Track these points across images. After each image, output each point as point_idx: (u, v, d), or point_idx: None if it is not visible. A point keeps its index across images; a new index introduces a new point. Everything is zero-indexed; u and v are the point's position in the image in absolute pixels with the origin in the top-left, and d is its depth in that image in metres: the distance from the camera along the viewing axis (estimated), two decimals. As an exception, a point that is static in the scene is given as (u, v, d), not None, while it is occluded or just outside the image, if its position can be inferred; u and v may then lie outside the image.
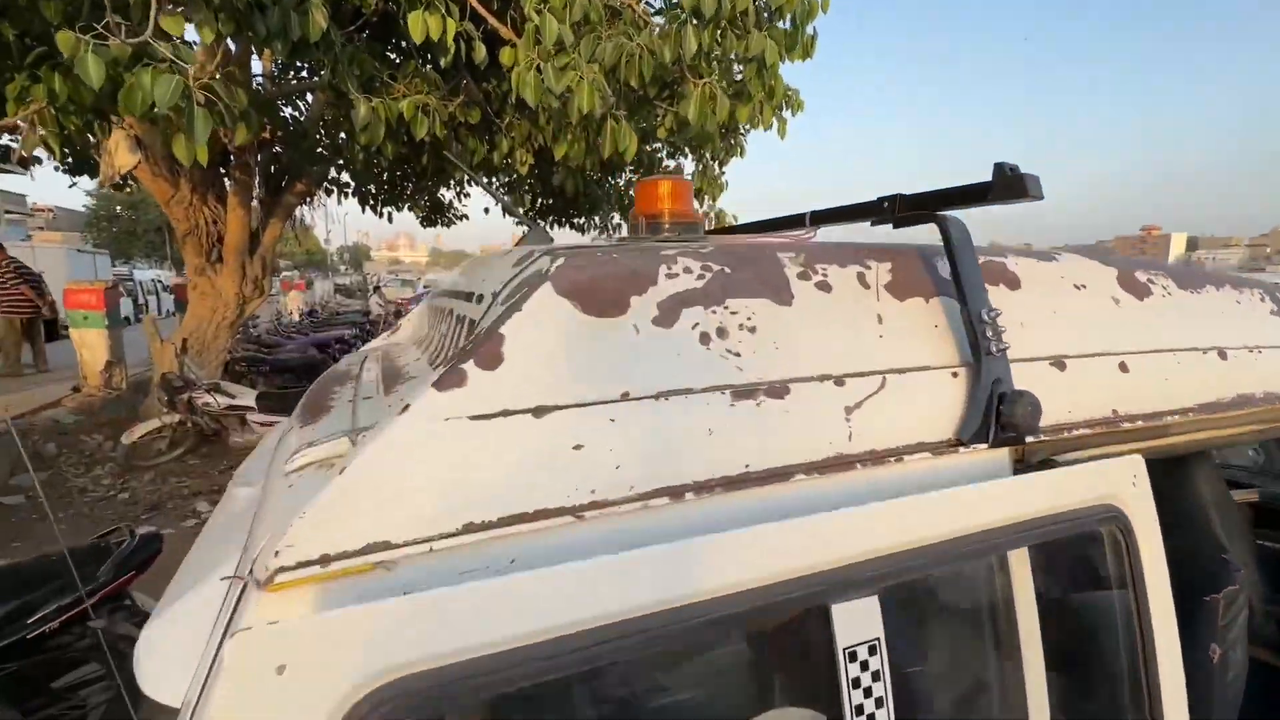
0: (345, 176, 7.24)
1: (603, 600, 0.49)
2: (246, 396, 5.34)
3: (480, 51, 2.91)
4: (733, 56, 3.48)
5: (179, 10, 1.93)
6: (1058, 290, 0.95)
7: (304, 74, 5.93)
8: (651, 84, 2.96)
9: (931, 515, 0.65)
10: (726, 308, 0.70)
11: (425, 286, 23.19)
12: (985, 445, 0.74)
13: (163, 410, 5.40)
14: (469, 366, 0.57)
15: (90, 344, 6.73)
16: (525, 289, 0.64)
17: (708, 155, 5.50)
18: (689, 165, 6.26)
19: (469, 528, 0.52)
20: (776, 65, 2.99)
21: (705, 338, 0.67)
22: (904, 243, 0.90)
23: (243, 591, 0.49)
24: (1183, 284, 1.13)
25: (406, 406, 0.55)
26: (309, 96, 5.99)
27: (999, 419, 0.74)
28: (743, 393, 0.66)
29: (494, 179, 5.52)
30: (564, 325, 0.62)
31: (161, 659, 0.53)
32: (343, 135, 4.80)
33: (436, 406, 0.55)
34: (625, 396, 0.61)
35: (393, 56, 4.26)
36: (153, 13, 1.86)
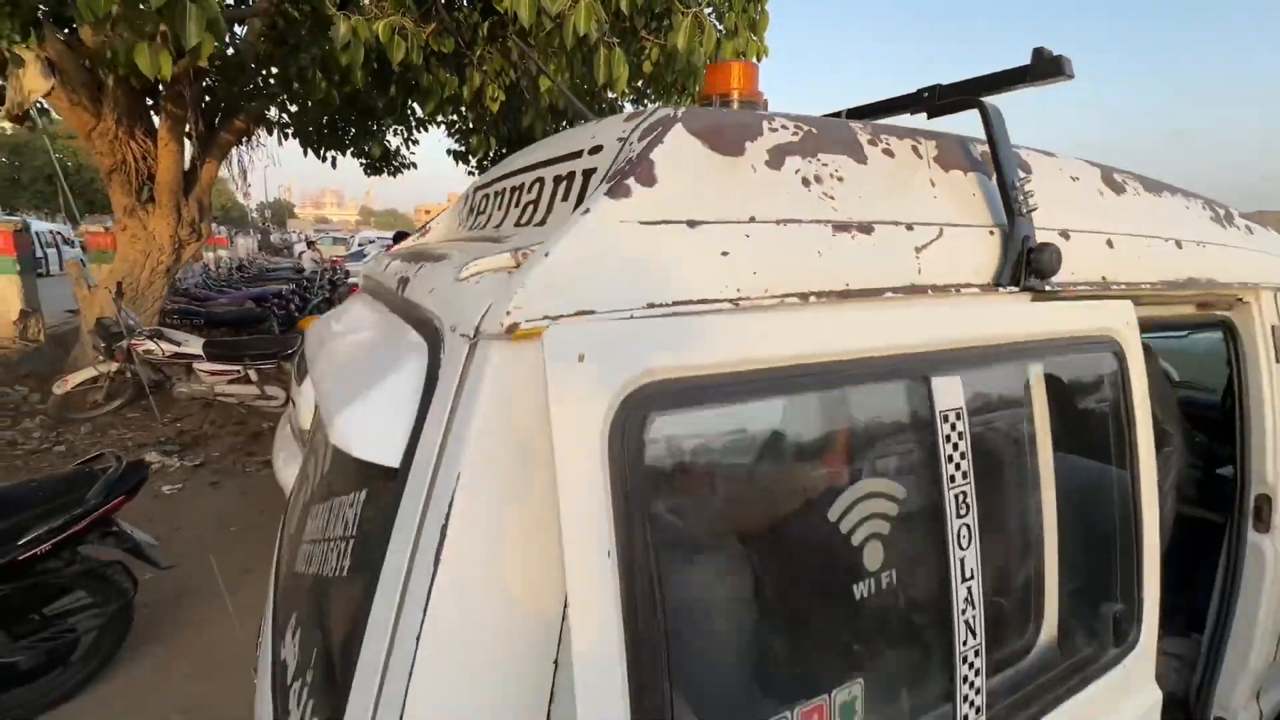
0: (285, 116, 6.80)
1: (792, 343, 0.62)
2: (193, 344, 5.09)
3: (466, -27, 2.84)
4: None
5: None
6: (1059, 179, 1.11)
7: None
8: (639, 14, 2.97)
9: (981, 323, 0.80)
10: (819, 159, 0.81)
11: (360, 244, 22.29)
12: (1016, 288, 0.90)
13: (98, 358, 5.07)
14: (630, 183, 0.66)
15: (0, 293, 6.16)
16: (660, 128, 0.73)
17: (674, 98, 5.51)
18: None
19: (652, 306, 0.62)
20: (764, -3, 3.06)
21: (806, 181, 0.79)
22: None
23: (472, 349, 0.58)
24: (1148, 188, 1.32)
25: (587, 210, 0.63)
26: (239, 28, 5.57)
27: (1028, 265, 0.89)
28: (839, 227, 0.78)
29: (463, 115, 5.36)
30: (699, 158, 0.72)
31: (375, 427, 0.61)
32: (294, 67, 4.51)
33: (611, 211, 0.64)
34: (752, 219, 0.72)
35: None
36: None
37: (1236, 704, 1.56)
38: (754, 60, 3.36)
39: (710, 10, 3.75)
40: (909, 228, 0.84)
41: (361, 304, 1.14)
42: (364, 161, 8.05)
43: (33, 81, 5.09)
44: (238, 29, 5.66)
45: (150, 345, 4.95)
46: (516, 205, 1.02)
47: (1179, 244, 1.27)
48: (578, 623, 0.52)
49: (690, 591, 0.65)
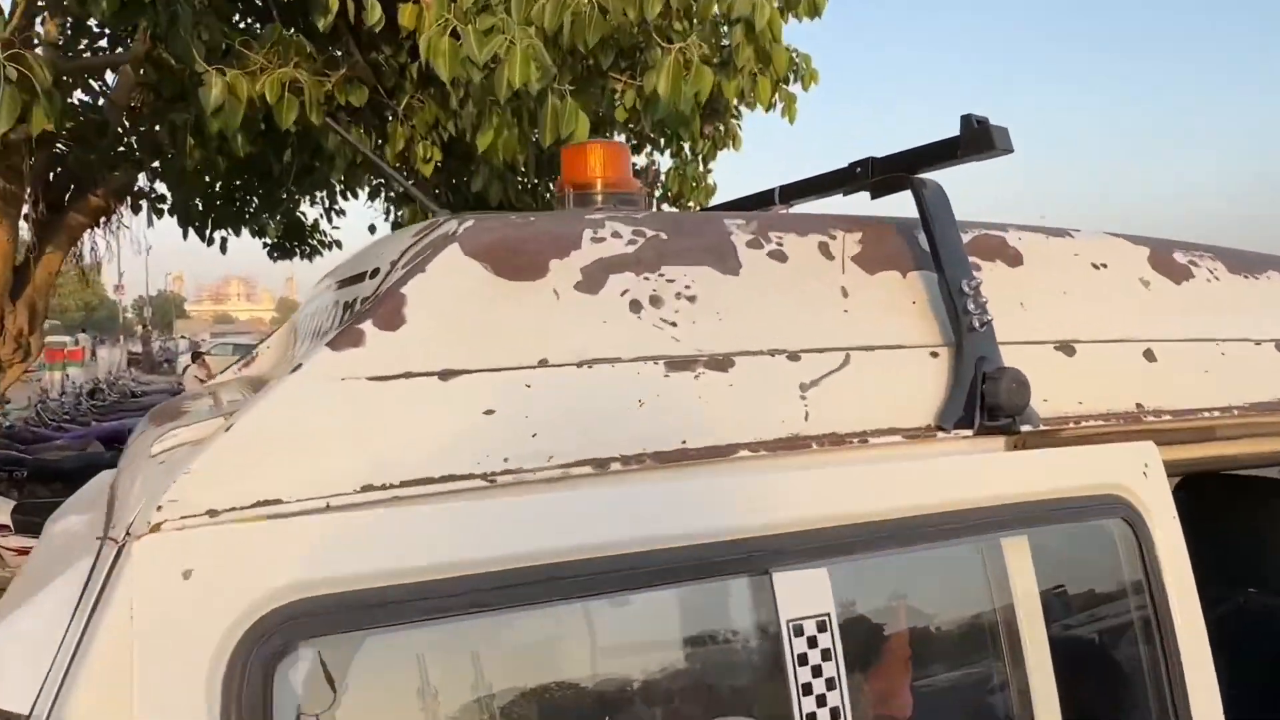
0: (161, 186, 7.52)
1: (510, 542, 0.71)
2: (-1, 510, 5.36)
3: (375, 11, 3.26)
4: (715, 15, 3.92)
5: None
6: (1069, 268, 1.22)
7: (103, 44, 6.30)
8: (603, 50, 3.32)
9: (898, 486, 0.88)
10: (662, 275, 0.94)
11: (272, 352, 24.02)
12: (969, 431, 0.98)
13: None
14: (367, 326, 0.80)
15: None
16: (429, 251, 0.87)
17: (686, 148, 5.94)
18: (665, 161, 6.72)
19: (368, 488, 0.72)
20: (779, 25, 3.41)
21: (636, 305, 0.91)
22: (885, 215, 1.18)
23: (118, 553, 0.69)
24: (1235, 268, 1.42)
25: (298, 366, 0.77)
26: (108, 76, 6.34)
27: (983, 400, 0.98)
28: (679, 363, 0.89)
29: (385, 184, 5.87)
30: (473, 287, 0.86)
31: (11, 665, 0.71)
32: (160, 127, 5.09)
33: (332, 366, 0.77)
34: (543, 363, 0.84)
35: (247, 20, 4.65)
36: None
37: None
38: (796, 92, 3.67)
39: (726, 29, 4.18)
40: (793, 357, 0.95)
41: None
42: (268, 242, 8.71)
43: None
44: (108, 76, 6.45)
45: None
46: (314, 336, 1.18)
47: (1282, 347, 1.34)
48: None
49: None
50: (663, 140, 5.85)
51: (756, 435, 0.89)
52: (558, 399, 0.83)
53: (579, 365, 0.85)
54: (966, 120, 1.04)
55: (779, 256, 1.03)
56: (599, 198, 1.19)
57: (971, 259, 1.09)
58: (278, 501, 0.70)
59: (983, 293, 1.04)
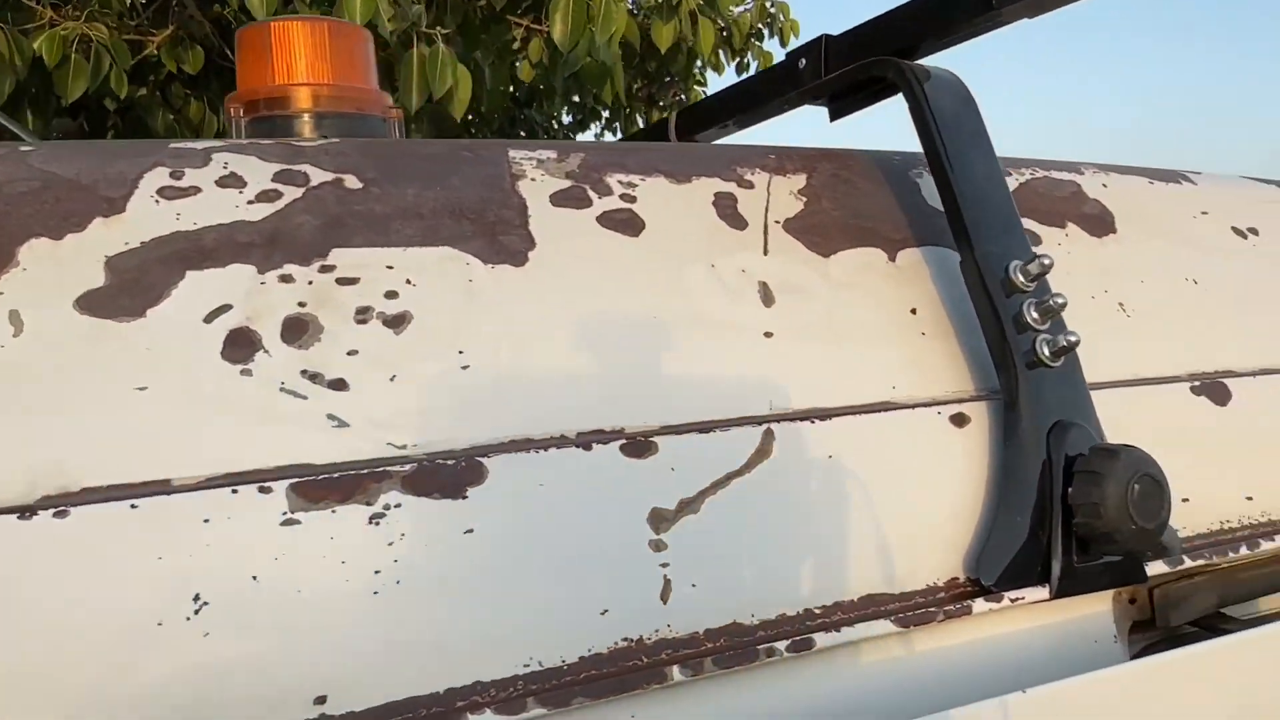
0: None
1: None
2: None
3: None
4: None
5: None
6: (1194, 238, 0.81)
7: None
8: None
9: None
10: (331, 269, 0.49)
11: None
12: (1044, 592, 0.54)
13: None
14: None
15: None
16: None
17: (640, 120, 5.59)
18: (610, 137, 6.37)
19: None
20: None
21: (246, 342, 0.45)
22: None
23: None
24: None
25: None
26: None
27: (1068, 518, 0.54)
28: (337, 482, 0.43)
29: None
30: None
31: None
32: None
33: None
34: None
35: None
36: None
37: None
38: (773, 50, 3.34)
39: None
40: (637, 447, 0.50)
41: None
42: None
43: None
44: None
45: None
46: None
47: None
48: None
49: None
50: (606, 113, 5.49)
51: (557, 657, 0.43)
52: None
53: (58, 512, 0.39)
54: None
55: (625, 224, 0.59)
56: (302, 121, 0.74)
57: (1024, 224, 0.66)
58: None
59: (1051, 285, 0.60)
